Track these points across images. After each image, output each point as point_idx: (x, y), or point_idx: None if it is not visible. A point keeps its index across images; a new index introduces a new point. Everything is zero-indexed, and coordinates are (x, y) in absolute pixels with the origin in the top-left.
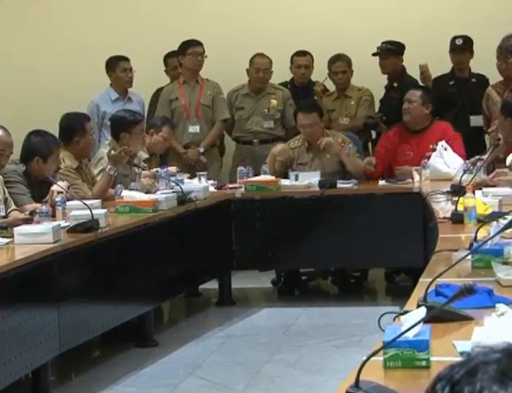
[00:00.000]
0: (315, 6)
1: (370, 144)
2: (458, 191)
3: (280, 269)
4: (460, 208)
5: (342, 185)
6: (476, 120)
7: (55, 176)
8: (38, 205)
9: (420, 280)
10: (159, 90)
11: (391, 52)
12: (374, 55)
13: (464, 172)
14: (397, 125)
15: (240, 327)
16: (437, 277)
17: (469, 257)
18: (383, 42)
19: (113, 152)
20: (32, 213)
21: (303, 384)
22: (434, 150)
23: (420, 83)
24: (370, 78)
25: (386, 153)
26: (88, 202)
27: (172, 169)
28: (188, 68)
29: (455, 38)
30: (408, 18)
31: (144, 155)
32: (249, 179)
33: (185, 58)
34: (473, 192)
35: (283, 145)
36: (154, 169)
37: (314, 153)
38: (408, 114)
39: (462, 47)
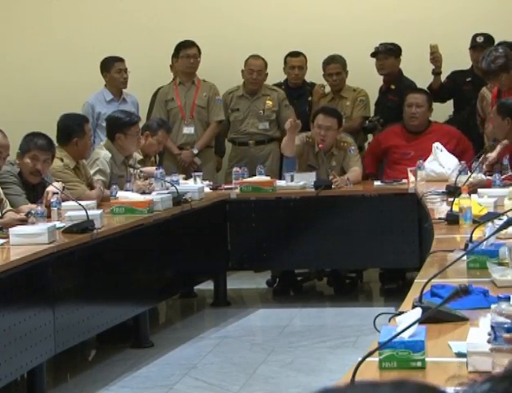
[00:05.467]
0: (310, 7)
1: (366, 145)
2: (453, 191)
3: (276, 270)
4: (456, 209)
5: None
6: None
7: (49, 177)
8: (34, 205)
9: (416, 281)
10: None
11: (391, 53)
12: (372, 55)
13: (460, 173)
14: (396, 125)
15: (236, 327)
16: (433, 278)
17: (465, 258)
18: (381, 43)
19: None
20: (27, 214)
21: (298, 385)
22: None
23: (421, 83)
24: (365, 79)
25: (376, 148)
26: (84, 203)
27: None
28: (181, 71)
29: (476, 35)
30: (403, 19)
31: (139, 156)
32: (244, 180)
33: (178, 61)
34: (469, 195)
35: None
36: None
37: (321, 158)
38: (417, 118)
39: (482, 45)
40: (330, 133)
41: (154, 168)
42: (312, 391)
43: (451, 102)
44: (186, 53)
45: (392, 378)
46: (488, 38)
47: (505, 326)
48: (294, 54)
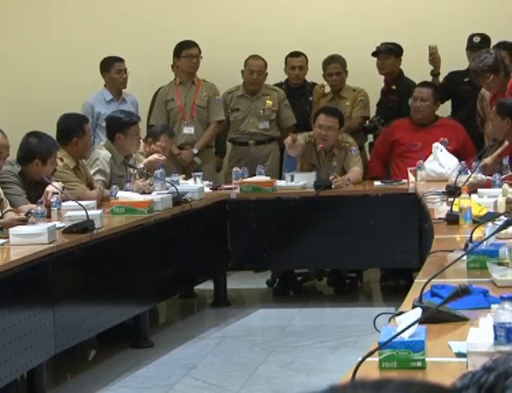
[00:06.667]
0: (311, 7)
1: (366, 145)
2: (453, 192)
3: (276, 270)
4: (456, 209)
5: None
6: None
7: (50, 177)
8: (34, 205)
9: (416, 281)
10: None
11: (391, 52)
12: (373, 54)
13: (460, 173)
14: (404, 119)
15: (236, 327)
16: (433, 278)
17: (465, 258)
18: (382, 43)
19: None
20: (27, 214)
21: (298, 385)
22: (445, 142)
23: (427, 77)
24: (366, 79)
25: (383, 146)
26: (84, 203)
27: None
28: (183, 70)
29: (472, 35)
30: (403, 19)
31: (143, 158)
32: (244, 180)
33: (180, 61)
34: (469, 195)
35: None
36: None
37: (322, 158)
38: (420, 112)
39: (479, 45)
40: (331, 132)
41: (156, 156)
42: (318, 389)
43: (448, 103)
44: (188, 53)
45: (398, 377)
46: (485, 39)
47: (507, 326)
48: (295, 54)
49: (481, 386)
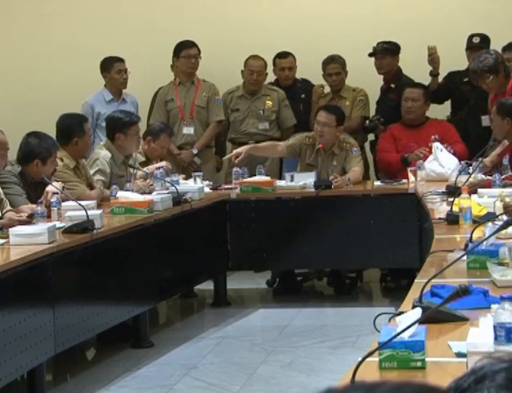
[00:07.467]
0: (310, 8)
1: (368, 145)
2: (453, 192)
3: (276, 270)
4: (456, 209)
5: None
6: (488, 120)
7: (50, 177)
8: (34, 205)
9: (416, 281)
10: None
11: (387, 52)
12: (370, 55)
13: (460, 173)
14: (397, 124)
15: (236, 327)
16: (433, 278)
17: (465, 258)
18: (378, 43)
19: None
20: (31, 216)
21: (298, 385)
22: (437, 140)
23: (420, 82)
24: (365, 79)
25: (388, 142)
26: (84, 203)
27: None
28: (182, 71)
29: (472, 36)
30: (403, 19)
31: (140, 157)
32: (244, 180)
33: (179, 61)
34: (470, 195)
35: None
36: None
37: (322, 157)
38: (412, 112)
39: (479, 46)
40: (327, 129)
41: (156, 167)
42: (315, 392)
43: (448, 103)
44: (187, 53)
45: (394, 380)
46: (484, 39)
47: (507, 326)
48: (283, 55)
49: (458, 387)
